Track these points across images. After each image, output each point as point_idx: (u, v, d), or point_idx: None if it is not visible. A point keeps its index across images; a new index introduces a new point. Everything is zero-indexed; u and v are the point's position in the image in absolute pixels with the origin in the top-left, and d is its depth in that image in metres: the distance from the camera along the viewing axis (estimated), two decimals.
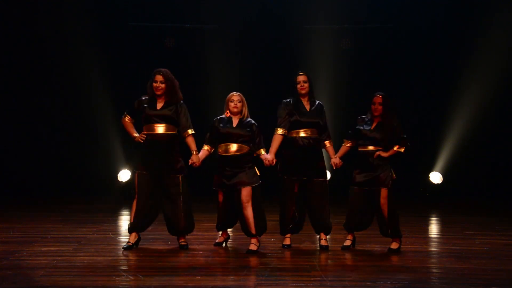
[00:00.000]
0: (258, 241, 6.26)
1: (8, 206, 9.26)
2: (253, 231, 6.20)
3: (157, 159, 6.17)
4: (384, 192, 6.23)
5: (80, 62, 10.32)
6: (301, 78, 6.39)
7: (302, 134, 6.34)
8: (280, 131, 6.35)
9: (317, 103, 6.46)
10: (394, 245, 6.32)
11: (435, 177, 10.60)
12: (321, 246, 6.41)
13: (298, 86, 6.38)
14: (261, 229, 6.27)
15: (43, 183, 10.56)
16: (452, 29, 10.41)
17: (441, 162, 10.64)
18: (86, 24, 10.23)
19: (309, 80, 6.41)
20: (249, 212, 6.17)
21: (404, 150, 6.29)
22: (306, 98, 6.42)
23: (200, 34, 10.62)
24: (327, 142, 6.44)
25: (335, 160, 6.37)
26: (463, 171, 10.59)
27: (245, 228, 6.27)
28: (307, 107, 6.39)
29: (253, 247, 6.19)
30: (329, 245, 6.41)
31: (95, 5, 10.31)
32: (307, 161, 6.32)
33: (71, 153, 10.66)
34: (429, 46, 10.51)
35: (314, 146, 6.36)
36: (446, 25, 10.41)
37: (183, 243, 6.32)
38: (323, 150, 6.52)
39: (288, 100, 6.43)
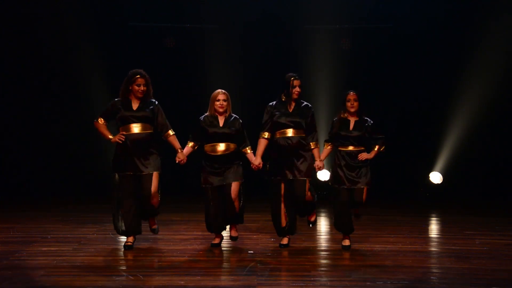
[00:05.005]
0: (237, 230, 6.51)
1: (8, 206, 9.25)
2: (239, 218, 6.46)
3: (136, 158, 6.20)
4: (365, 190, 6.35)
5: (80, 62, 10.32)
6: (298, 82, 6.35)
7: (286, 134, 6.33)
8: (263, 134, 6.41)
9: (303, 104, 6.42)
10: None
11: (435, 177, 10.60)
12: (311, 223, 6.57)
13: (294, 90, 6.34)
14: (242, 219, 6.55)
15: (43, 183, 10.55)
16: (452, 29, 10.40)
17: (441, 162, 10.63)
18: (86, 24, 10.22)
19: (301, 85, 6.43)
20: (237, 204, 6.36)
21: (383, 149, 6.44)
22: (294, 101, 6.40)
23: (200, 34, 10.61)
24: (312, 144, 6.38)
25: (319, 163, 6.38)
26: (463, 171, 10.58)
27: (231, 217, 6.40)
28: (290, 109, 6.37)
29: (235, 233, 6.50)
30: (329, 245, 6.41)
31: (95, 5, 10.31)
32: (291, 160, 6.31)
33: (71, 153, 10.66)
34: (429, 46, 10.50)
35: (297, 146, 6.32)
36: (446, 25, 10.40)
37: (154, 227, 6.49)
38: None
39: (272, 103, 6.45)
